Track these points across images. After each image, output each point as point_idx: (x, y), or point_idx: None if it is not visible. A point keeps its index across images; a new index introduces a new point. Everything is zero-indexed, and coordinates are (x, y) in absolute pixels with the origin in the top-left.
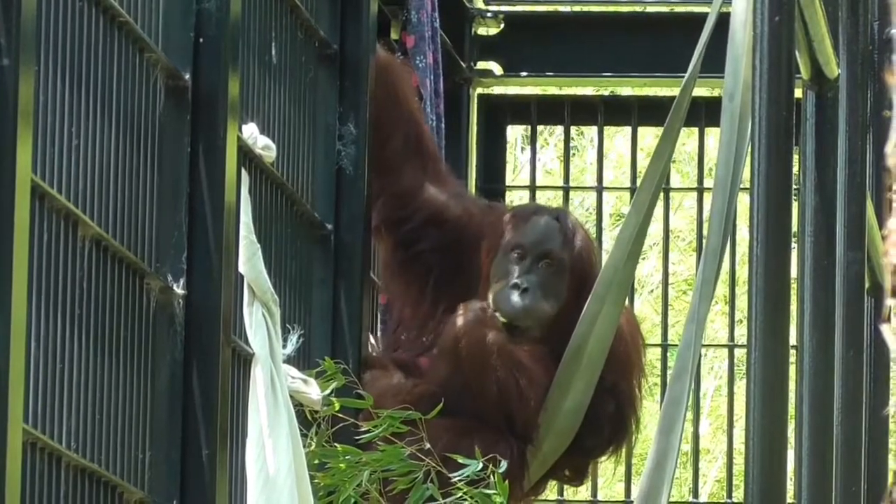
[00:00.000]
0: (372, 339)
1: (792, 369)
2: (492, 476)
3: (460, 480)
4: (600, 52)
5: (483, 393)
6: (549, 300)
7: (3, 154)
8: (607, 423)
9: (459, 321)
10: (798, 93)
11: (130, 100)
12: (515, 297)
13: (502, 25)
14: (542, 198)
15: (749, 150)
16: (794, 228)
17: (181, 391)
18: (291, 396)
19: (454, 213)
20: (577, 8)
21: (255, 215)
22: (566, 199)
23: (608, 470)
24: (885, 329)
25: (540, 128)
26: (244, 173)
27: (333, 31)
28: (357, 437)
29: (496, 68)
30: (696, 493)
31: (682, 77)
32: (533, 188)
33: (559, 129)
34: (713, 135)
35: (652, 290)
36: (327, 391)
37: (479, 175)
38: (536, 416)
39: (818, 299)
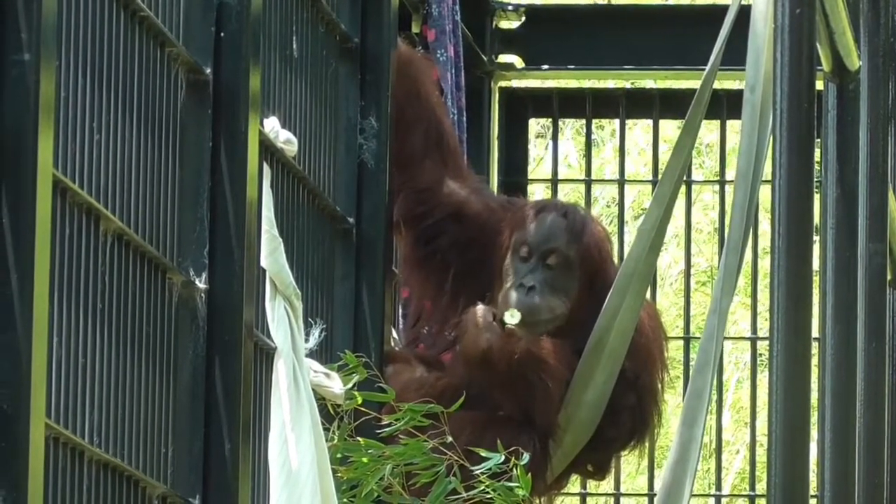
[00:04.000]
0: (394, 333)
1: (814, 361)
2: (514, 469)
3: (483, 474)
4: (621, 45)
5: (508, 394)
6: (558, 297)
7: (25, 149)
8: (628, 416)
9: (486, 337)
10: (819, 85)
11: (151, 94)
12: (522, 296)
13: (523, 19)
14: (564, 191)
15: (770, 142)
16: (816, 221)
17: (203, 386)
18: (314, 390)
19: (474, 208)
20: (598, 1)
21: (277, 209)
22: (588, 192)
23: (631, 463)
24: None
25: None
26: (266, 167)
27: (354, 24)
28: (379, 431)
29: (517, 62)
30: (718, 485)
31: (704, 69)
32: (555, 181)
33: (574, 122)
34: (734, 127)
35: (672, 283)
36: (349, 385)
37: (500, 168)
38: (557, 413)
39: (840, 291)
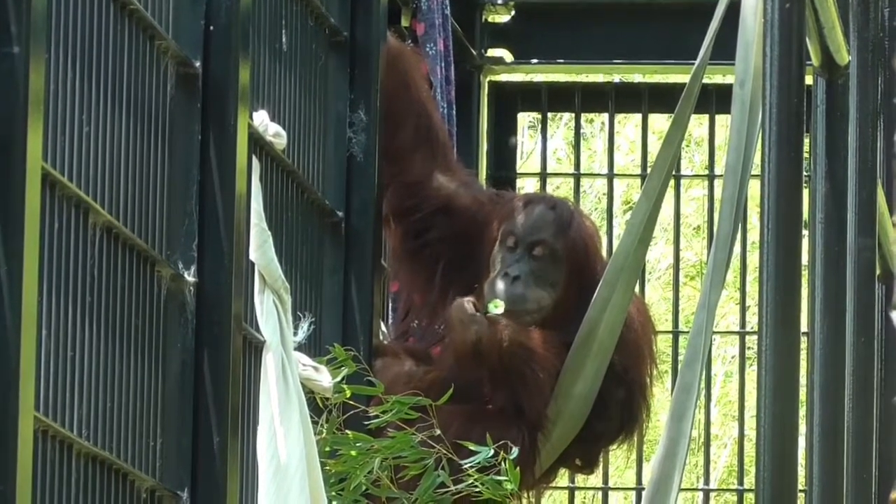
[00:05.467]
0: (383, 327)
1: (803, 356)
2: (503, 463)
3: (471, 467)
4: (611, 39)
5: (499, 386)
6: (543, 289)
7: (14, 142)
8: (617, 410)
9: (473, 330)
10: (808, 80)
11: (141, 88)
12: (506, 286)
13: (513, 13)
14: (553, 185)
15: (760, 136)
16: (805, 215)
17: (192, 379)
18: (302, 384)
19: (463, 201)
20: None
21: (266, 203)
22: (577, 186)
23: (619, 457)
24: None
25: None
26: (255, 161)
27: (344, 18)
28: (368, 424)
29: (507, 55)
30: (707, 479)
31: (693, 64)
32: (543, 175)
33: (565, 116)
34: (724, 122)
35: (661, 277)
36: (338, 378)
37: (489, 162)
38: (548, 403)
39: (829, 286)
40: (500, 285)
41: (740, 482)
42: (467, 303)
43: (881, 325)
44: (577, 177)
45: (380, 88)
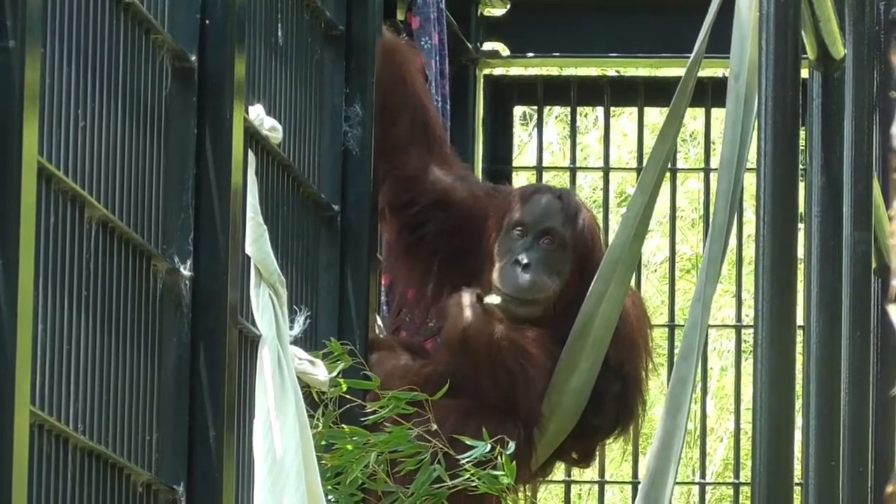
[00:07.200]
0: (379, 321)
1: (799, 349)
2: (499, 457)
3: (468, 462)
4: (606, 33)
5: (489, 380)
6: (551, 277)
7: (10, 136)
8: (613, 404)
9: (465, 316)
10: (804, 73)
11: (137, 81)
12: (518, 273)
13: (508, 6)
14: (548, 178)
15: (755, 130)
16: (801, 209)
17: (188, 373)
18: (298, 378)
19: (460, 195)
20: None
21: (262, 197)
22: (573, 179)
23: (615, 450)
24: (892, 310)
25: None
26: (251, 155)
27: (339, 12)
28: (364, 419)
29: (502, 49)
30: (703, 473)
31: (688, 57)
32: (539, 169)
33: (557, 109)
34: (719, 115)
35: (656, 271)
36: (334, 372)
37: (485, 156)
38: (541, 402)
39: (825, 280)
40: (512, 272)
41: (736, 476)
42: (470, 293)
43: (877, 318)
44: (573, 170)
45: (375, 82)
